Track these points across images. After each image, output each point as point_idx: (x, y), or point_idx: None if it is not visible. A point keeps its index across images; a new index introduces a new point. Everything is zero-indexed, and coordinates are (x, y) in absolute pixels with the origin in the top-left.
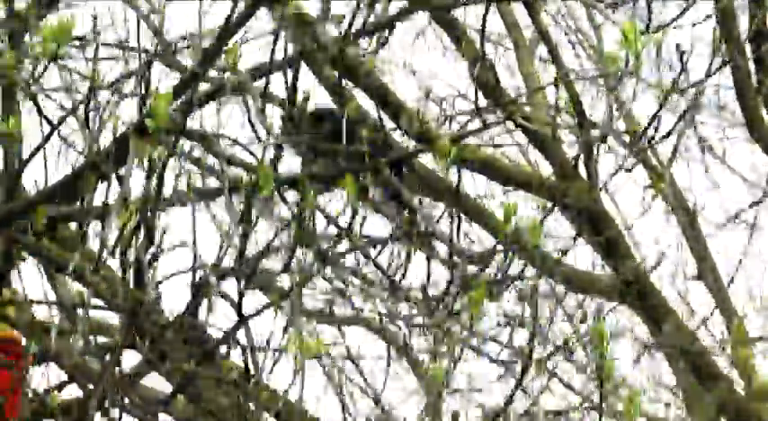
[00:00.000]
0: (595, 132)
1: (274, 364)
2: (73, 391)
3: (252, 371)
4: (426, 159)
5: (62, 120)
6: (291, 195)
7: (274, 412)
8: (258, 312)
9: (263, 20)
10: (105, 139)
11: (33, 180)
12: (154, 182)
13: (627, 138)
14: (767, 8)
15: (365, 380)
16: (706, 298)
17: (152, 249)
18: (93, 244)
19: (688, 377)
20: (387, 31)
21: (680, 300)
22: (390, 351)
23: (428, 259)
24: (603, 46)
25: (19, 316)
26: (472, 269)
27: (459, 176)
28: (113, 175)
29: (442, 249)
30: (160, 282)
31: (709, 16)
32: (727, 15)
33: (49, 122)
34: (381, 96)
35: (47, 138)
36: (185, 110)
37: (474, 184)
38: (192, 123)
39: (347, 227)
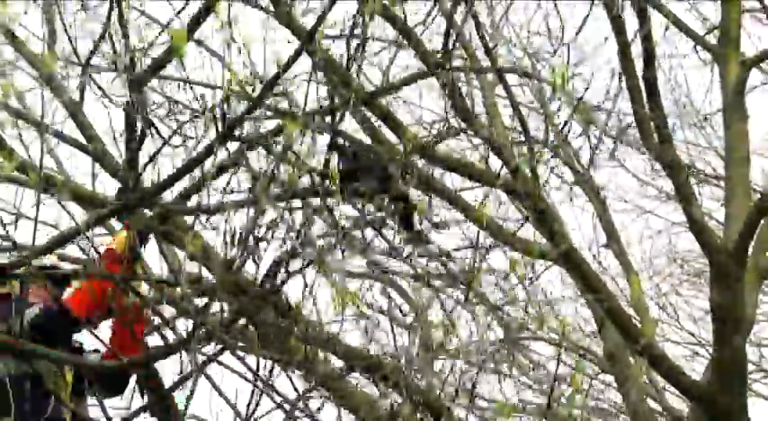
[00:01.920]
0: (537, 144)
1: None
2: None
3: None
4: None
5: (171, 136)
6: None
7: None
8: (302, 269)
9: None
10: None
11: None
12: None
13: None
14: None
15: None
16: (613, 261)
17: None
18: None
19: (602, 314)
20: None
21: (594, 261)
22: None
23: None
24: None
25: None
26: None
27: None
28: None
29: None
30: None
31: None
32: (626, 51)
33: (161, 137)
34: (392, 120)
35: (160, 149)
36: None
37: (452, 181)
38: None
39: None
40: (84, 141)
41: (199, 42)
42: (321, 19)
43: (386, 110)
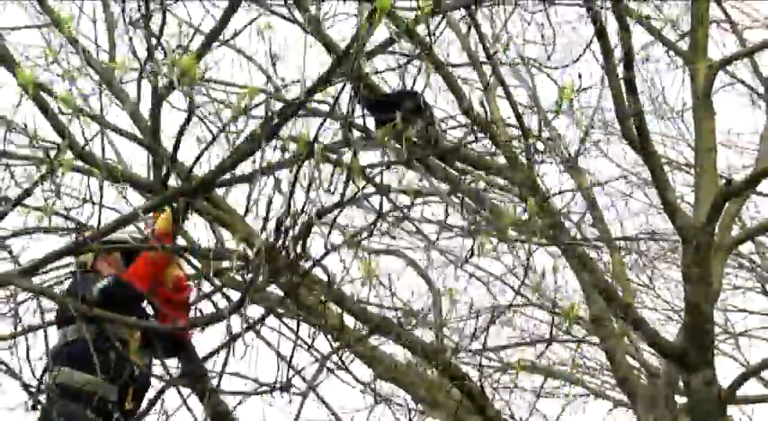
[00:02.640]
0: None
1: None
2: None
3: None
4: None
5: (215, 137)
6: None
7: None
8: (334, 248)
9: None
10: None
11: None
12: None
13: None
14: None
15: None
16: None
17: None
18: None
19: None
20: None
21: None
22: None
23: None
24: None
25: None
26: None
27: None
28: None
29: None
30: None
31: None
32: (609, 55)
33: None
34: None
35: (209, 145)
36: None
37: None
38: None
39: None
40: (140, 136)
41: (248, 57)
42: (355, 40)
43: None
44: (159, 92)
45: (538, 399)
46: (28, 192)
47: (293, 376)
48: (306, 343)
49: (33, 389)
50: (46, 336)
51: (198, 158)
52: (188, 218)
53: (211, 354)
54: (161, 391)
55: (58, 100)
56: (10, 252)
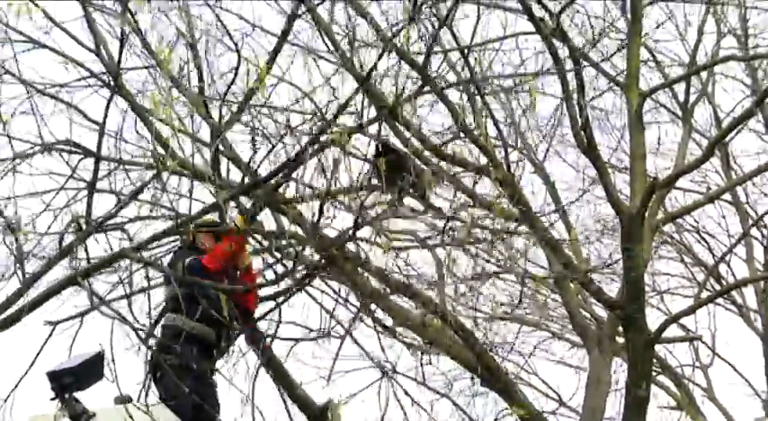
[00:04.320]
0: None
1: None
2: None
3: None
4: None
5: (276, 143)
6: None
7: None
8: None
9: None
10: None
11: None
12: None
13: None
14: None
15: None
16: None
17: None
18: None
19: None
20: None
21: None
22: None
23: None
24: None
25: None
26: None
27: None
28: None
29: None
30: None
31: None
32: (565, 84)
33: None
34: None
35: (270, 151)
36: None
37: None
38: None
39: None
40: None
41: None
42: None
43: (408, 121)
44: (231, 117)
45: (516, 339)
46: (141, 189)
47: (334, 325)
48: (343, 299)
49: (144, 335)
50: (149, 298)
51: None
52: (260, 209)
53: (276, 306)
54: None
55: (162, 122)
56: (127, 233)
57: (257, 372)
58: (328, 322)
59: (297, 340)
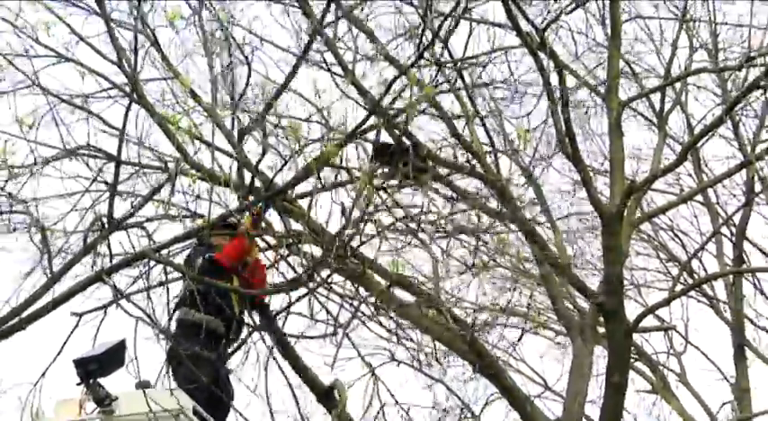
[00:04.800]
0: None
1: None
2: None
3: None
4: None
5: (286, 161)
6: None
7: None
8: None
9: None
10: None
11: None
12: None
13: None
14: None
15: None
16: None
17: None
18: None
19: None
20: None
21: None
22: None
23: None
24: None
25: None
26: None
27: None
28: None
29: None
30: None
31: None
32: (551, 96)
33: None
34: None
35: (285, 164)
36: None
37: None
38: None
39: None
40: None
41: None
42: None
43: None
44: (246, 127)
45: (504, 328)
46: (157, 190)
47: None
48: (349, 297)
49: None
50: (168, 292)
51: (276, 173)
52: (268, 214)
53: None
54: (249, 333)
55: (178, 129)
56: (146, 231)
57: (270, 352)
58: (335, 324)
59: (304, 337)
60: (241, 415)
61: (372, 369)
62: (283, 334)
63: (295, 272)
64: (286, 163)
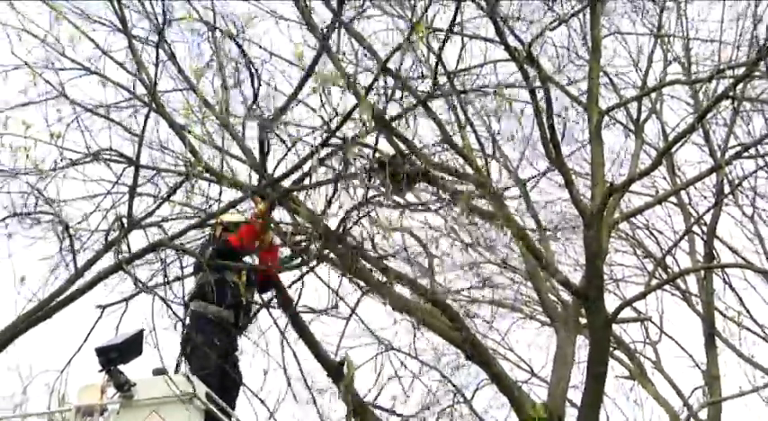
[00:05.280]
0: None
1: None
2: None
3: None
4: None
5: (289, 149)
6: None
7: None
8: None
9: None
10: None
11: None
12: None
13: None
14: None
15: None
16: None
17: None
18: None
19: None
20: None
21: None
22: None
23: None
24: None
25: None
26: None
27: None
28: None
29: None
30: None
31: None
32: (537, 107)
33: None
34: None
35: (284, 156)
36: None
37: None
38: None
39: None
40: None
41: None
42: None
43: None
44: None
45: (494, 319)
46: (174, 191)
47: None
48: (349, 278)
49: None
50: (183, 285)
51: (275, 167)
52: (275, 207)
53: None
54: (258, 310)
55: (194, 135)
56: (162, 229)
57: (285, 328)
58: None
59: (313, 311)
60: (255, 395)
61: (384, 344)
62: (296, 311)
63: (303, 260)
64: (288, 164)
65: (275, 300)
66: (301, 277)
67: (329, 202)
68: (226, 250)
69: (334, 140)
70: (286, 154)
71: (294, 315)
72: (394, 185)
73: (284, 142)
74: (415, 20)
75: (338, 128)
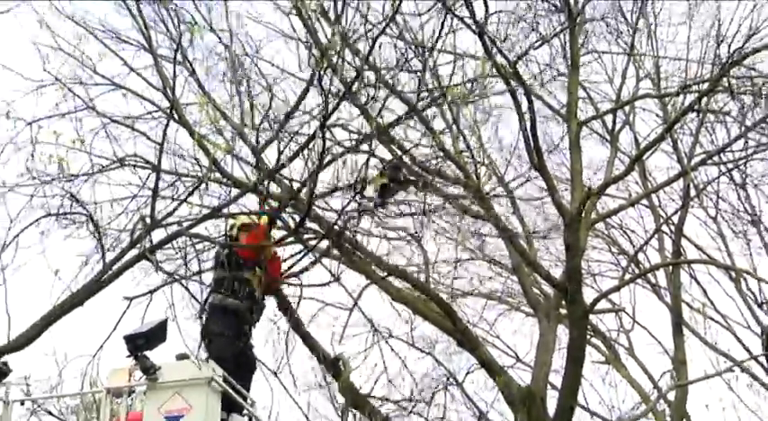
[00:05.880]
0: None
1: None
2: None
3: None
4: None
5: (287, 144)
6: None
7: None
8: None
9: None
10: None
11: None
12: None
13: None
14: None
15: None
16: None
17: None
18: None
19: (511, 247)
20: None
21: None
22: None
23: None
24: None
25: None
26: None
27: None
28: None
29: None
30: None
31: None
32: (521, 118)
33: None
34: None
35: (281, 152)
36: None
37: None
38: None
39: None
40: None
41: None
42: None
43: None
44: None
45: (483, 310)
46: (191, 193)
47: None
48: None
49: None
50: (200, 278)
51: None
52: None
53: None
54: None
55: (212, 144)
56: (181, 227)
57: (288, 331)
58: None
59: (316, 285)
60: (266, 379)
61: (382, 335)
62: (296, 315)
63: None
64: (296, 154)
65: (276, 306)
66: (307, 269)
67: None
68: (236, 256)
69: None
70: (293, 158)
71: (293, 316)
72: (387, 192)
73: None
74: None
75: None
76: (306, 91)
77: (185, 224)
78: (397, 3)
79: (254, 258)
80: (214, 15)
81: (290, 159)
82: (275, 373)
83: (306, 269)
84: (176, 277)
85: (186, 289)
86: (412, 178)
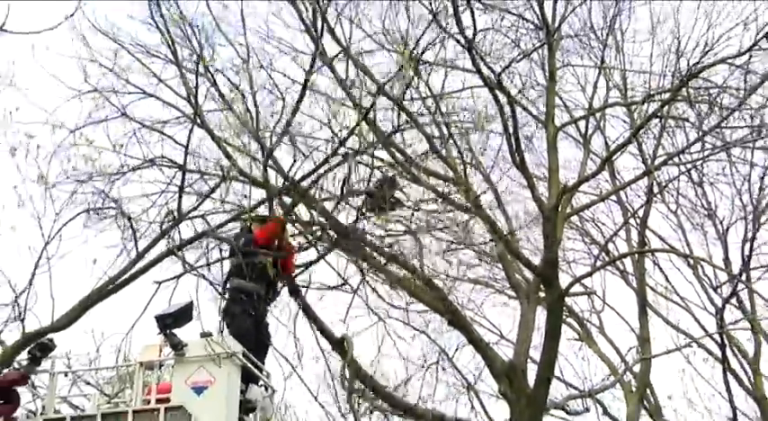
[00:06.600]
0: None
1: None
2: None
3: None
4: None
5: (306, 156)
6: None
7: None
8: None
9: None
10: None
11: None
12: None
13: None
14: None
15: None
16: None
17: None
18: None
19: (497, 240)
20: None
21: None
22: None
23: None
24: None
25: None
26: None
27: None
28: None
29: None
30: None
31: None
32: (506, 125)
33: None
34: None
35: (299, 162)
36: None
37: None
38: None
39: None
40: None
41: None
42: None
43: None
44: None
45: (471, 293)
46: (212, 191)
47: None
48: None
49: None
50: (221, 266)
51: (296, 173)
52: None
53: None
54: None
55: (233, 148)
56: (206, 220)
57: (297, 314)
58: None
59: (327, 287)
60: (280, 353)
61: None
62: (305, 299)
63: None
64: (306, 157)
65: (287, 289)
66: (317, 260)
67: (337, 203)
68: (248, 244)
69: (342, 150)
70: (303, 161)
71: (303, 300)
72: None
73: (302, 153)
74: (407, 54)
75: (344, 141)
76: (301, 96)
77: (207, 217)
78: None
79: (270, 244)
80: (232, 29)
81: (315, 181)
82: (293, 367)
83: (314, 262)
84: (199, 273)
85: (207, 280)
86: (396, 198)
